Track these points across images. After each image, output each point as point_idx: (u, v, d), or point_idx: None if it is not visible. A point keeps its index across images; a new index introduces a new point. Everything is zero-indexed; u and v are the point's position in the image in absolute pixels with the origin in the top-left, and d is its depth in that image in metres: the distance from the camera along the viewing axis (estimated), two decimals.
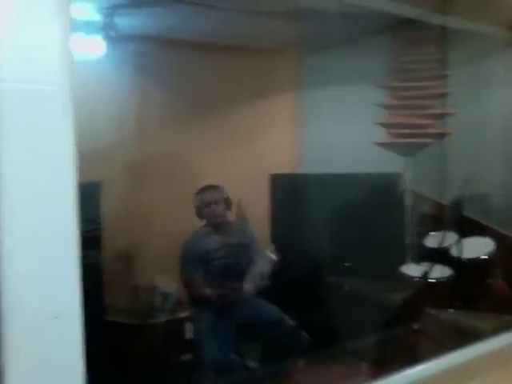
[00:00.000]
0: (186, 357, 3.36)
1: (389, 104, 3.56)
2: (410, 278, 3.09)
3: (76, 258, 0.84)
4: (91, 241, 2.85)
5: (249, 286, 3.04)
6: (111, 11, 2.95)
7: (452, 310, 2.80)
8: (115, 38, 3.01)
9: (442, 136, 3.46)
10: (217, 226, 3.18)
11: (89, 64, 3.11)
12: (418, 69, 3.41)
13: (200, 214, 3.17)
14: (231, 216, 3.26)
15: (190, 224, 3.20)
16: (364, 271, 3.43)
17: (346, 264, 3.64)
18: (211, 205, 3.13)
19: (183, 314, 3.54)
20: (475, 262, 3.01)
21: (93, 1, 2.85)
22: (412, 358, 1.89)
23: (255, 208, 3.84)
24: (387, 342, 2.57)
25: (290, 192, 3.97)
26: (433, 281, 2.92)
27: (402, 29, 3.14)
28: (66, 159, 0.83)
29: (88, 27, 2.94)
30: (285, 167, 4.27)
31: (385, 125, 3.56)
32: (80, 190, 0.85)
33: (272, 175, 4.03)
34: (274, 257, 3.20)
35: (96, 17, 2.97)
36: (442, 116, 3.46)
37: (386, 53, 3.51)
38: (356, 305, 3.28)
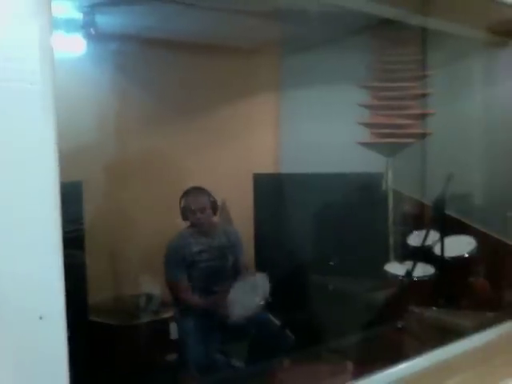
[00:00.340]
0: (171, 357, 3.34)
1: (370, 104, 3.58)
2: (394, 276, 3.11)
3: (59, 259, 0.83)
4: (74, 241, 2.82)
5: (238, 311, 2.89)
6: (92, 10, 2.92)
7: (435, 308, 2.83)
8: (96, 36, 2.99)
9: (423, 136, 3.49)
10: (202, 229, 3.14)
11: (69, 63, 3.07)
12: (398, 69, 3.43)
13: (185, 216, 3.12)
14: (216, 217, 3.24)
15: (174, 225, 3.18)
16: (348, 270, 3.44)
17: (330, 263, 3.65)
18: (197, 213, 3.06)
19: (168, 315, 3.52)
20: (457, 261, 3.03)
21: None
22: (395, 357, 1.91)
23: (239, 207, 3.86)
24: (371, 341, 2.58)
25: (272, 191, 3.97)
26: (416, 279, 2.94)
27: (383, 29, 3.15)
28: (48, 159, 0.82)
29: (68, 26, 2.91)
30: (267, 167, 4.27)
31: (367, 125, 3.58)
32: (62, 190, 0.84)
33: (255, 175, 4.03)
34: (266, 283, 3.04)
35: (76, 15, 2.94)
36: (422, 116, 3.49)
37: (366, 53, 3.53)
38: (340, 304, 3.29)
